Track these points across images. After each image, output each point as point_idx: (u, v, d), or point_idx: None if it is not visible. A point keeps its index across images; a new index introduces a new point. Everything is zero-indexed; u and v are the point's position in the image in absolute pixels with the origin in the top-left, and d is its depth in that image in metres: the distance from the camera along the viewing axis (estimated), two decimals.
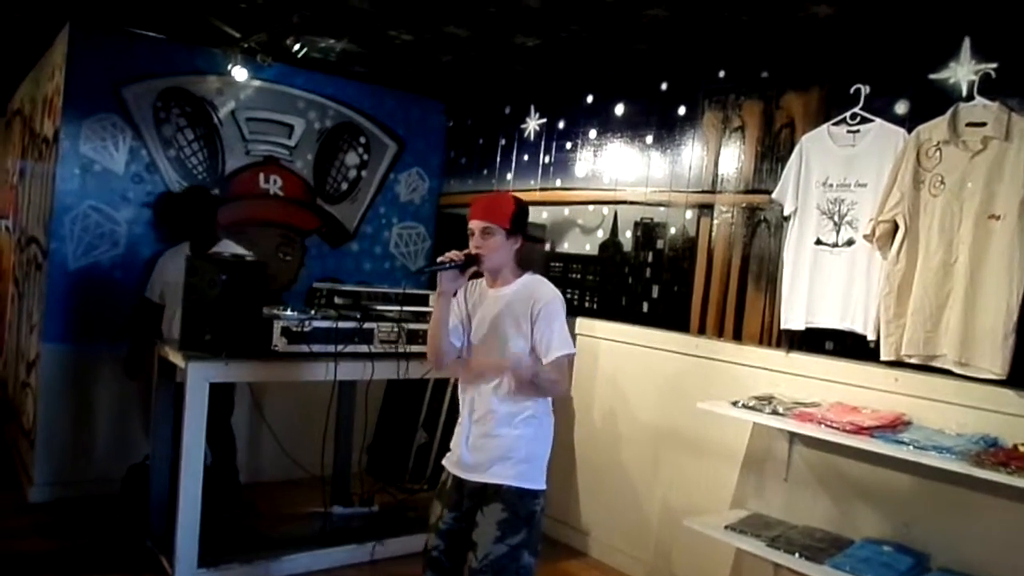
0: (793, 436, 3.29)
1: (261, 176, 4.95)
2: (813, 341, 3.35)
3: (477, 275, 2.59)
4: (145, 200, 4.51)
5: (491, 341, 2.50)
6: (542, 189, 4.79)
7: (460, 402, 2.60)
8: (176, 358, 3.48)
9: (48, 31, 4.58)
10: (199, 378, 3.34)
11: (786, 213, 3.43)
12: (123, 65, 4.39)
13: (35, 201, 4.99)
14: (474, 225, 2.50)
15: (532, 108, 4.92)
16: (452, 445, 2.58)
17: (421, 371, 3.94)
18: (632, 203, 4.22)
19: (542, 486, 2.49)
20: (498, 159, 5.16)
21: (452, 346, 2.57)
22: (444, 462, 2.59)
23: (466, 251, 2.47)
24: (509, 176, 5.06)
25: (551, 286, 2.54)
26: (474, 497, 2.47)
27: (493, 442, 2.45)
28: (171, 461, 3.68)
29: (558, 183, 4.69)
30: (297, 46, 4.28)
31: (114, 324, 4.43)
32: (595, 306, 4.37)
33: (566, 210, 4.55)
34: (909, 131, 3.02)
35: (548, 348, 2.41)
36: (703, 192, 3.87)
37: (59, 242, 4.30)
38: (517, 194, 4.88)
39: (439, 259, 2.43)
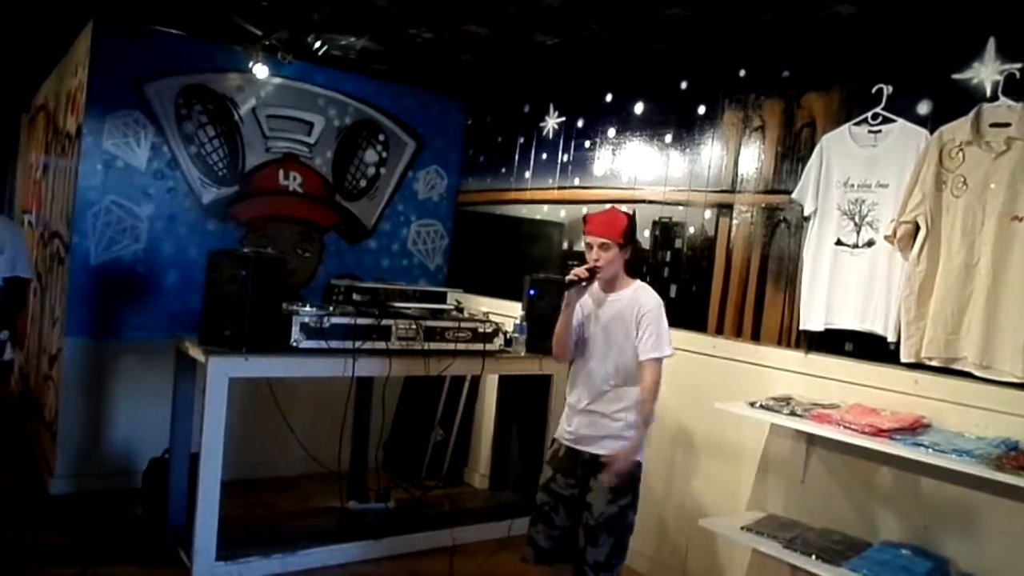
0: (811, 437, 3.27)
1: (281, 173, 4.98)
2: (832, 342, 3.33)
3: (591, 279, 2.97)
4: (167, 197, 4.57)
5: (602, 340, 2.90)
6: (560, 188, 4.79)
7: (570, 389, 3.00)
8: (196, 352, 3.51)
9: (72, 28, 4.64)
10: (219, 373, 3.37)
11: (806, 213, 3.41)
12: (145, 62, 4.44)
13: (58, 196, 5.05)
14: (592, 240, 2.87)
15: (551, 106, 4.92)
16: (564, 423, 3.00)
17: (439, 368, 3.95)
18: (651, 202, 4.21)
19: (642, 457, 2.91)
20: (517, 157, 5.16)
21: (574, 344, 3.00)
22: (556, 436, 3.03)
23: (587, 266, 2.84)
24: (527, 174, 5.06)
25: (654, 294, 2.93)
26: (587, 466, 2.88)
27: (604, 422, 2.88)
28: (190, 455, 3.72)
29: (576, 182, 4.69)
30: (318, 44, 4.30)
31: (136, 319, 4.49)
32: None
33: (584, 209, 4.54)
34: (931, 131, 2.99)
35: (644, 350, 2.82)
36: (722, 192, 3.85)
37: (81, 237, 4.35)
38: (536, 192, 4.98)
39: (568, 278, 2.83)
